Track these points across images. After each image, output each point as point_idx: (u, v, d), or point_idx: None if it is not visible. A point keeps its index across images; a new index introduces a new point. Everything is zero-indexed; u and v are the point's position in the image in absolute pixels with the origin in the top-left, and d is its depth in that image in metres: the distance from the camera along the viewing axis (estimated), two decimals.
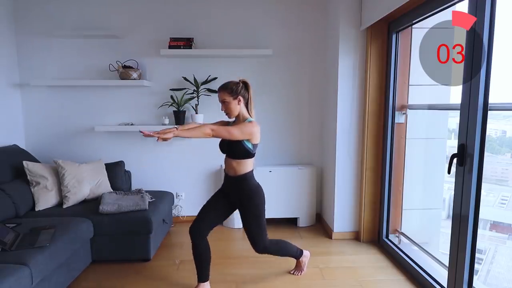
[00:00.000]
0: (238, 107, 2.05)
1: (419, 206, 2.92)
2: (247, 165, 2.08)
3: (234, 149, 2.03)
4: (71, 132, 3.36)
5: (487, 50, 1.64)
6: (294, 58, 3.37)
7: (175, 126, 1.98)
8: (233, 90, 2.02)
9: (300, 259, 2.42)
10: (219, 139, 2.13)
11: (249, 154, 2.05)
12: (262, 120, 3.39)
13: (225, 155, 2.13)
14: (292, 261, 2.52)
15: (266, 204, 3.33)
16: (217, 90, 2.09)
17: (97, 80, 3.20)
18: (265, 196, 3.30)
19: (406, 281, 2.35)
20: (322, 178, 3.50)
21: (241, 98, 2.04)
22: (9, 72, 3.15)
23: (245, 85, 2.09)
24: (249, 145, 2.02)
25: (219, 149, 2.16)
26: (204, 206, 2.21)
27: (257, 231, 2.15)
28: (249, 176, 2.10)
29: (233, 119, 2.15)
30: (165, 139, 1.81)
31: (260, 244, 2.18)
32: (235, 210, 2.22)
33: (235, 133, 1.95)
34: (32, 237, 2.08)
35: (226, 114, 2.09)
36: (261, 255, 2.75)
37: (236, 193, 2.14)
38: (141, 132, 1.81)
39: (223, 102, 2.05)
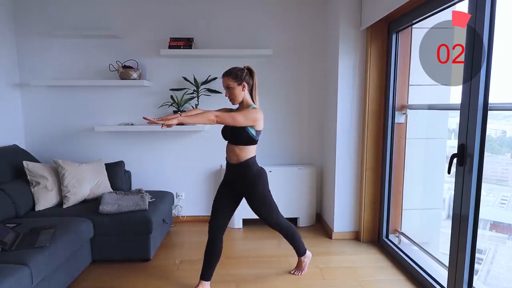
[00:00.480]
0: (242, 93, 2.05)
1: (419, 206, 2.92)
2: (249, 151, 2.08)
3: (238, 135, 2.02)
4: (71, 132, 3.36)
5: (487, 50, 1.64)
6: (294, 58, 3.37)
7: (179, 112, 1.98)
8: (238, 75, 2.02)
9: (302, 258, 2.43)
10: (221, 130, 2.14)
11: (252, 141, 2.05)
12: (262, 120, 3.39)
13: (227, 142, 2.12)
14: (293, 261, 2.52)
15: None
16: (221, 76, 2.07)
17: (97, 80, 3.20)
18: None
19: (406, 281, 2.35)
20: (322, 178, 3.50)
21: (246, 84, 2.04)
22: (9, 72, 3.15)
23: (250, 71, 2.09)
24: (253, 132, 2.02)
25: (221, 136, 2.15)
26: (214, 203, 2.20)
27: (266, 212, 2.18)
28: (251, 162, 2.09)
29: (237, 105, 2.14)
30: (169, 126, 1.82)
31: (272, 220, 2.21)
32: (242, 198, 2.21)
33: (239, 119, 1.95)
34: (32, 237, 2.08)
35: (230, 100, 2.08)
36: (262, 255, 2.75)
37: (239, 181, 2.12)
38: (145, 118, 1.80)
39: (227, 87, 2.04)
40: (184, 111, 3.24)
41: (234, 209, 2.23)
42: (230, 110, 2.17)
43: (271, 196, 2.20)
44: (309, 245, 2.91)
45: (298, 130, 3.49)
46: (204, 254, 2.18)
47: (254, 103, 2.11)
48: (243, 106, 2.09)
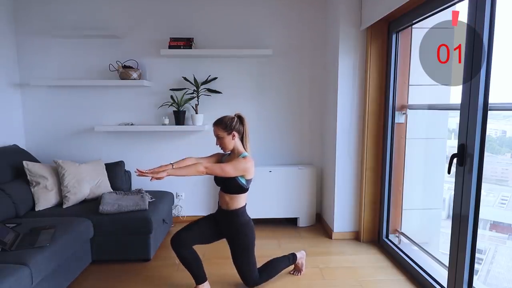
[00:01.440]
0: (233, 142, 2.06)
1: (419, 206, 2.92)
2: (239, 201, 2.09)
3: (228, 184, 2.04)
4: (71, 132, 3.36)
5: (487, 50, 1.64)
6: (294, 58, 3.37)
7: (171, 163, 2.02)
8: (227, 125, 2.03)
9: (296, 262, 2.42)
10: (213, 177, 2.13)
11: (242, 189, 2.06)
12: (263, 120, 3.41)
13: (219, 189, 2.14)
14: None
15: (266, 204, 3.35)
16: (212, 125, 2.08)
17: (97, 80, 3.20)
18: (265, 196, 3.32)
19: (406, 281, 2.35)
20: (322, 178, 3.50)
21: (236, 133, 2.05)
22: (9, 72, 3.15)
23: (240, 119, 2.09)
24: (243, 181, 2.03)
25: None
26: (194, 222, 2.20)
27: (247, 267, 2.13)
28: (240, 212, 2.11)
29: (228, 152, 2.15)
30: (158, 178, 1.83)
31: (250, 281, 2.17)
32: (222, 238, 2.21)
33: (228, 170, 1.96)
34: (32, 237, 2.08)
35: (221, 149, 2.10)
36: (262, 255, 2.75)
37: (226, 226, 2.14)
38: (137, 170, 1.83)
39: (217, 137, 2.06)
40: (184, 110, 3.25)
41: (205, 240, 2.22)
42: (223, 155, 2.20)
43: (254, 251, 2.15)
44: (309, 245, 2.92)
45: (298, 130, 3.49)
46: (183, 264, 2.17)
47: (245, 149, 2.11)
48: (234, 153, 2.10)
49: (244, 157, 2.04)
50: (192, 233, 2.15)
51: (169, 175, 1.87)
